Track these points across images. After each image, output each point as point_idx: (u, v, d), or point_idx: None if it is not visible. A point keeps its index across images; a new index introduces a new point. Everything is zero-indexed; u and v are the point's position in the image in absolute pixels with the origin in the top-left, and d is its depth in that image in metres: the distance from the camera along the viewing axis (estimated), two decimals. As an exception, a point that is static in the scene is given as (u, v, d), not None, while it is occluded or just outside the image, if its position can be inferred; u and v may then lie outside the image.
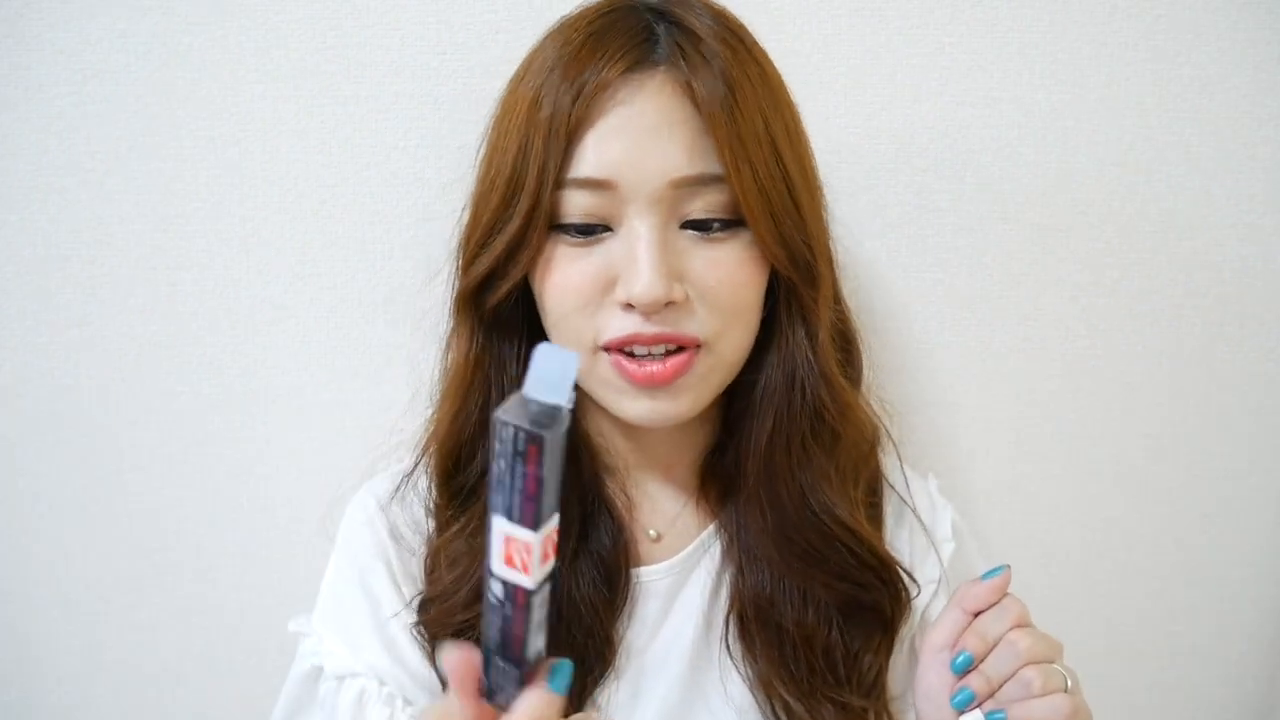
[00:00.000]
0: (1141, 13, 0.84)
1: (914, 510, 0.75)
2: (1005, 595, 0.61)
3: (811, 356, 0.65)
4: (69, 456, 0.90)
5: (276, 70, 0.83)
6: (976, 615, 0.61)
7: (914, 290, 0.90)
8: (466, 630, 0.67)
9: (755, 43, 0.63)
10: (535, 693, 0.46)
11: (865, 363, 0.75)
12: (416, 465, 0.72)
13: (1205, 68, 0.85)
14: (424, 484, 0.72)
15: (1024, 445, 0.94)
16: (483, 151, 0.66)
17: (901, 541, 0.75)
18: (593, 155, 0.59)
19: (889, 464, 0.76)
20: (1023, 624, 0.60)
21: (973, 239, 0.89)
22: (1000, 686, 0.59)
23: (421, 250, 0.87)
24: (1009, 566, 0.61)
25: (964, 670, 0.60)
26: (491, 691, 0.47)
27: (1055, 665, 0.59)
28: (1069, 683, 0.58)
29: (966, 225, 0.88)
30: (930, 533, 0.76)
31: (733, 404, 0.70)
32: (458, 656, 0.47)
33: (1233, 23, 0.85)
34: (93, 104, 0.83)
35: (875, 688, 0.70)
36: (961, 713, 0.59)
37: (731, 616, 0.71)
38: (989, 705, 0.59)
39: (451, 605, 0.66)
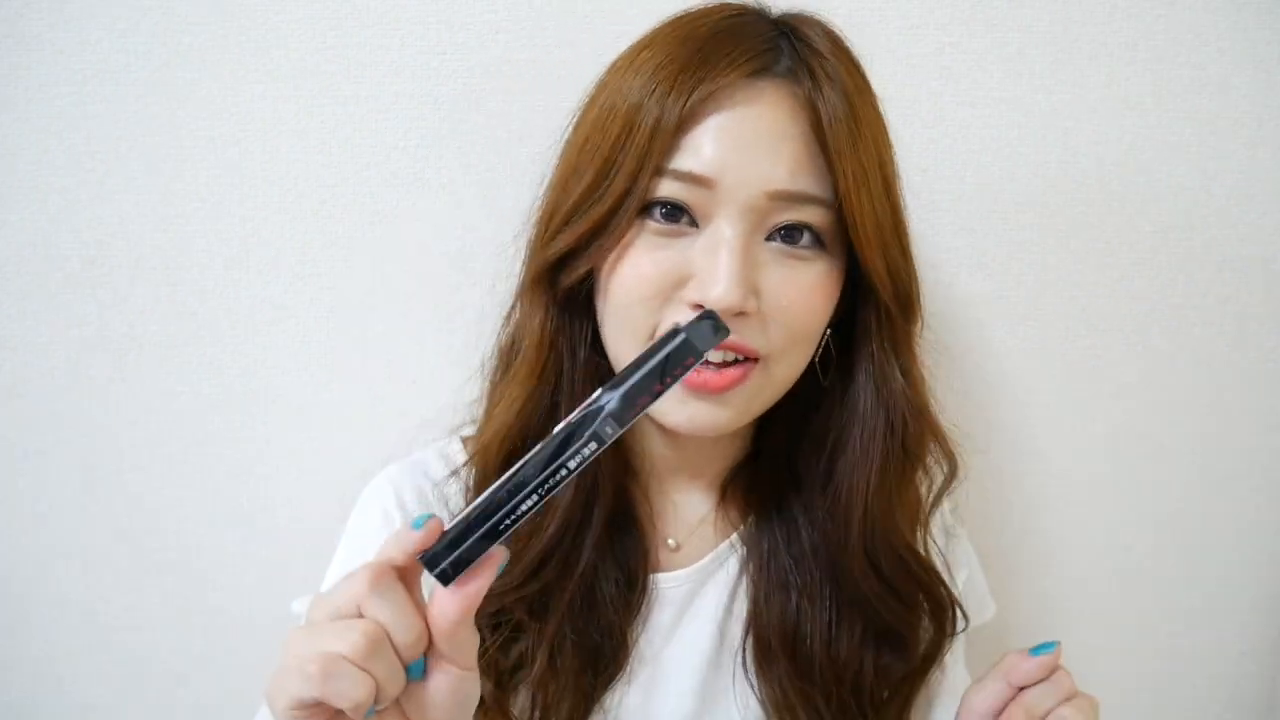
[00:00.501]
0: (1141, 13, 0.84)
1: (935, 541, 0.74)
2: (1056, 669, 0.58)
3: (907, 389, 0.66)
4: (69, 456, 0.90)
5: (276, 70, 0.83)
6: (1021, 689, 0.58)
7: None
8: (503, 614, 0.66)
9: (865, 72, 0.63)
10: (462, 590, 0.45)
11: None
12: (471, 457, 0.70)
13: (1205, 68, 0.85)
14: (440, 473, 0.71)
15: (1024, 445, 0.94)
16: (572, 130, 0.65)
17: None
18: (699, 150, 0.58)
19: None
20: (1071, 696, 0.58)
21: (973, 239, 0.89)
22: None
23: (422, 250, 0.87)
24: (1059, 644, 0.58)
25: None
26: (437, 558, 0.45)
27: None
28: None
29: (966, 225, 0.88)
30: (948, 557, 0.74)
31: (769, 424, 0.69)
32: (433, 523, 0.45)
33: (1233, 23, 0.85)
34: (93, 104, 0.83)
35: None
36: None
37: (749, 637, 0.70)
38: None
39: (497, 587, 0.65)
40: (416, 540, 0.45)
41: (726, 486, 0.73)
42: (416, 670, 0.46)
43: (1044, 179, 0.87)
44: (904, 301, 0.63)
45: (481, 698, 0.66)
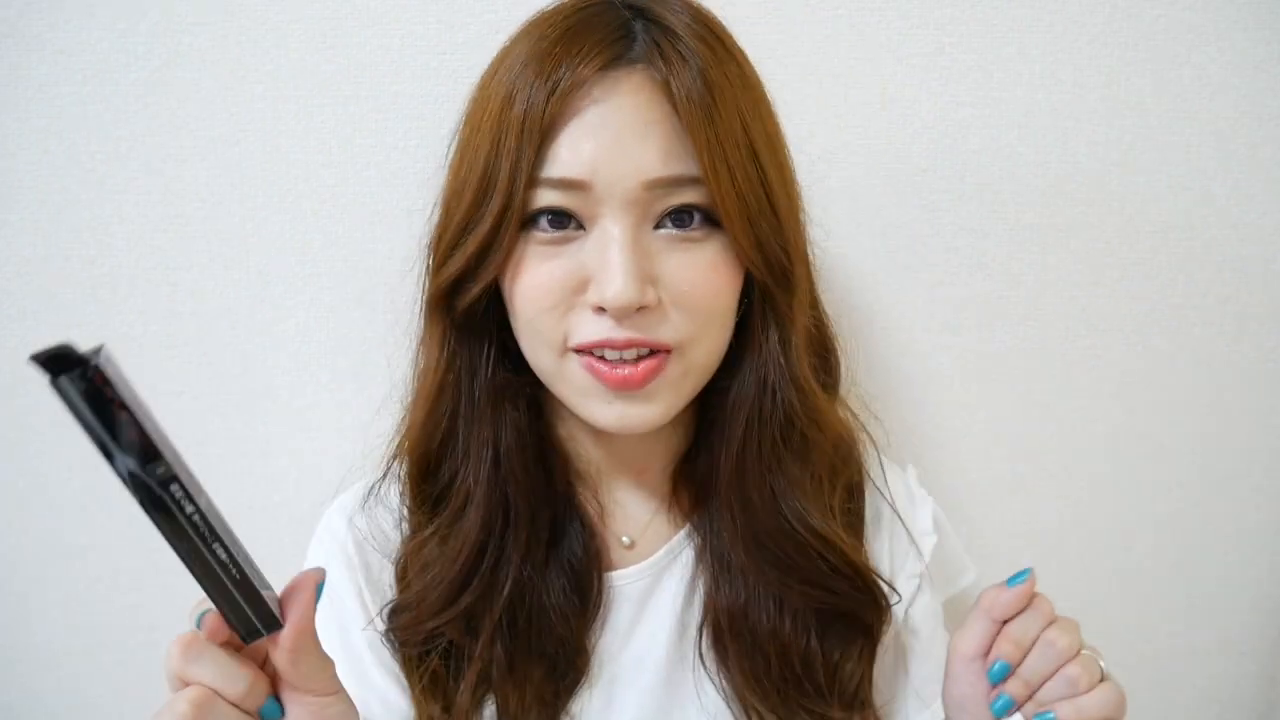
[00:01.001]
0: (1141, 13, 0.84)
1: (893, 506, 0.74)
2: (1034, 596, 0.59)
3: (784, 362, 0.64)
4: (69, 456, 0.90)
5: (276, 70, 0.83)
6: (1005, 622, 0.59)
7: (913, 290, 0.90)
8: (436, 637, 0.66)
9: (734, 42, 0.62)
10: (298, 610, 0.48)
11: (844, 367, 0.74)
12: (387, 473, 0.71)
13: (1205, 68, 0.85)
14: (394, 494, 0.71)
15: (1023, 445, 0.94)
16: (453, 149, 0.65)
17: (881, 541, 0.74)
18: (566, 154, 0.57)
19: (870, 464, 0.74)
20: (1053, 620, 0.59)
21: (973, 239, 0.89)
22: (1040, 686, 0.58)
23: (423, 250, 0.87)
24: (1033, 569, 0.59)
25: (1001, 678, 0.59)
26: (250, 630, 0.47)
27: (1088, 653, 0.58)
28: (1104, 668, 0.58)
29: (966, 225, 0.88)
30: (909, 527, 0.74)
31: (706, 409, 0.69)
32: (210, 619, 0.47)
33: (1233, 23, 0.85)
34: (93, 104, 0.83)
35: (857, 698, 0.69)
36: (1001, 719, 0.59)
37: (705, 625, 0.70)
38: (1030, 707, 0.58)
39: (421, 611, 0.66)
40: (214, 637, 0.47)
41: (676, 477, 0.72)
42: (271, 712, 0.49)
43: (1044, 179, 0.87)
44: (777, 275, 0.61)
45: None
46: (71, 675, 0.95)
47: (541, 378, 0.64)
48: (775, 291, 0.62)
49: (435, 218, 0.66)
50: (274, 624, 0.47)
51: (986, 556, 0.84)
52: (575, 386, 0.62)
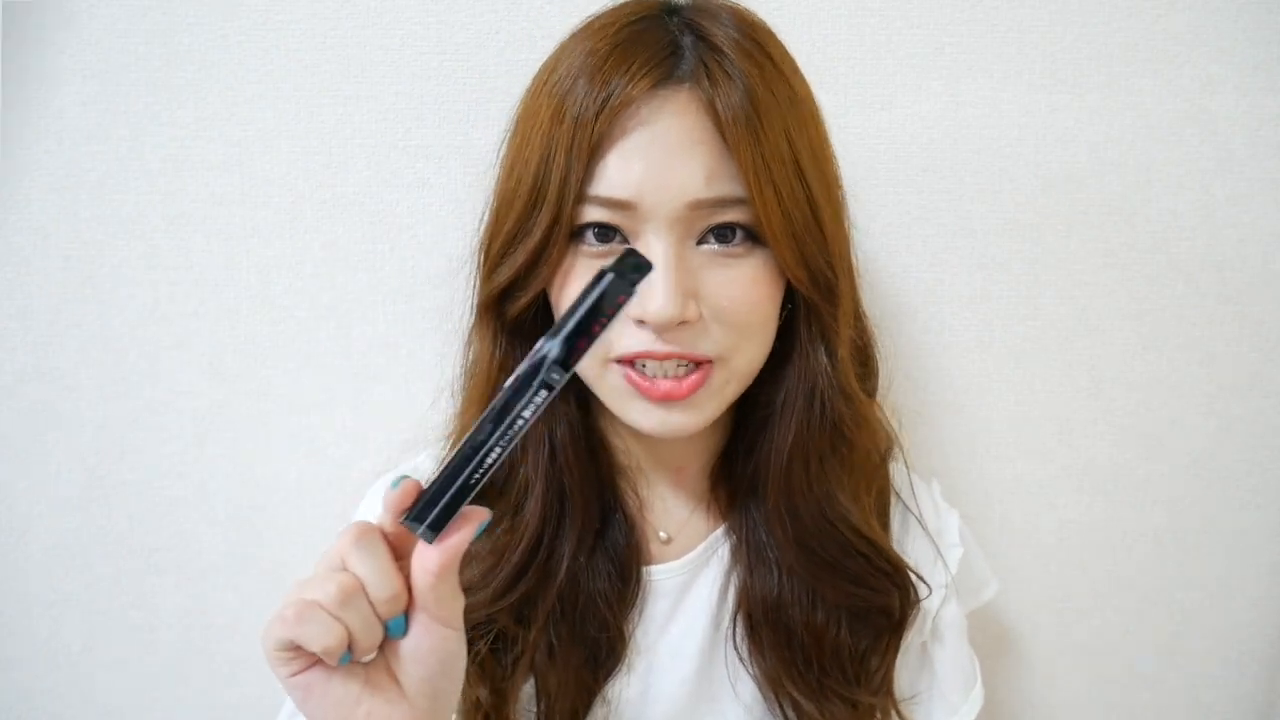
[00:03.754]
0: (1141, 13, 0.84)
1: (919, 518, 0.75)
2: None
3: (831, 372, 0.65)
4: (69, 456, 0.90)
5: (276, 70, 0.83)
6: None
7: (914, 290, 0.90)
8: (488, 623, 0.67)
9: (783, 53, 0.63)
10: (453, 542, 0.48)
11: (882, 373, 0.76)
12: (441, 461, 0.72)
13: (1205, 68, 0.85)
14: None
15: (1024, 445, 0.94)
16: (504, 151, 0.65)
17: (906, 547, 0.75)
18: (614, 174, 0.58)
19: (897, 471, 0.76)
20: None
21: (973, 239, 0.89)
22: None
23: (422, 251, 0.87)
24: None
25: None
26: (418, 517, 0.47)
27: None
28: None
29: (966, 225, 0.88)
30: (937, 539, 0.76)
31: (746, 412, 0.70)
32: (408, 483, 0.48)
33: (1233, 23, 0.85)
34: (93, 104, 0.83)
35: (883, 686, 0.71)
36: None
37: (739, 616, 0.71)
38: None
39: (477, 601, 0.66)
40: (394, 499, 0.47)
41: (715, 476, 0.73)
42: (397, 628, 0.49)
43: (1044, 179, 0.87)
44: (824, 291, 0.62)
45: (480, 702, 0.65)
46: (71, 676, 0.95)
47: (585, 382, 0.65)
48: (821, 305, 0.63)
49: (485, 220, 0.67)
50: (432, 535, 0.48)
51: (985, 556, 0.84)
52: (616, 392, 0.63)
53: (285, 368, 0.89)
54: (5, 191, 0.84)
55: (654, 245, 0.59)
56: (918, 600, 0.71)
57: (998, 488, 0.94)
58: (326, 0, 0.82)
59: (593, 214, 0.59)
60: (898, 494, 0.75)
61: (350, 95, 0.83)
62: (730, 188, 0.58)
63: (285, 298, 0.87)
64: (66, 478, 0.90)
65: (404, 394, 0.89)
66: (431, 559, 0.47)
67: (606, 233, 0.60)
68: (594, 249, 0.61)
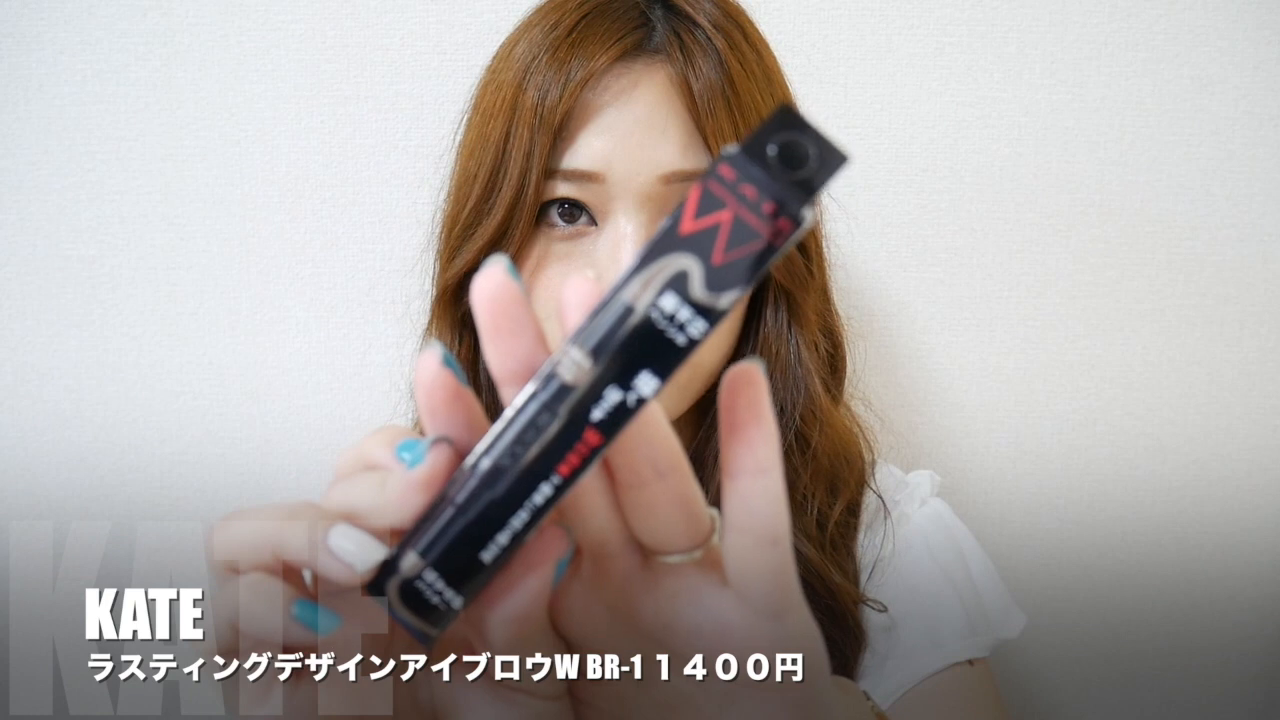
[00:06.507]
0: (1141, 12, 0.84)
1: (888, 513, 0.69)
2: None
3: (796, 365, 0.63)
4: (69, 456, 0.90)
5: (276, 70, 0.83)
6: None
7: (914, 290, 0.90)
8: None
9: (755, 30, 0.61)
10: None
11: (850, 369, 0.73)
12: None
13: (1205, 68, 0.85)
14: None
15: (1024, 445, 0.94)
16: (460, 136, 0.63)
17: (872, 548, 0.69)
18: (581, 147, 0.56)
19: (881, 470, 0.72)
20: None
21: (973, 239, 0.88)
22: None
23: (423, 251, 0.87)
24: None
25: None
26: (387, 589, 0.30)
27: None
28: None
29: (966, 225, 0.88)
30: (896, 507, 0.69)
31: (711, 405, 0.67)
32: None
33: (1233, 23, 0.85)
34: (93, 104, 0.83)
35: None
36: None
37: None
38: None
39: None
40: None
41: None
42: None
43: (1044, 179, 0.87)
44: (797, 276, 0.60)
45: None
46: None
47: None
48: (792, 291, 0.61)
49: (442, 209, 0.64)
50: (453, 607, 0.30)
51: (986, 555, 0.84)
52: None
53: (285, 367, 0.89)
54: (5, 192, 0.84)
55: (623, 224, 0.56)
56: (865, 645, 0.64)
57: (998, 488, 0.94)
58: (326, 0, 0.82)
59: (558, 189, 0.57)
60: (875, 492, 0.69)
61: (350, 95, 0.83)
62: (704, 160, 0.56)
63: (285, 298, 0.87)
64: (67, 477, 0.90)
65: (406, 395, 0.89)
66: (506, 607, 0.30)
67: (573, 211, 0.58)
68: (560, 230, 0.58)
